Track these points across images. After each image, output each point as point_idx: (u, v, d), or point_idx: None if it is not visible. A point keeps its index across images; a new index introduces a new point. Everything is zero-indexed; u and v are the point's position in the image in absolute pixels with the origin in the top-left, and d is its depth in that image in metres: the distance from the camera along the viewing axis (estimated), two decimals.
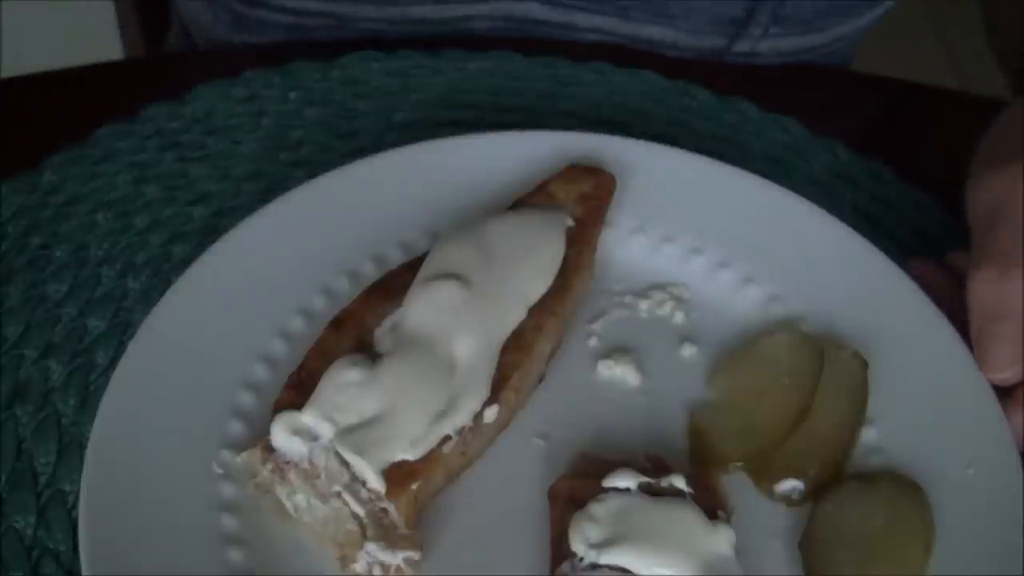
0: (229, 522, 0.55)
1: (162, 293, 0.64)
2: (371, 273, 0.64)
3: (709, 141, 0.77)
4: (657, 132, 0.77)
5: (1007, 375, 0.60)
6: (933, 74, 0.96)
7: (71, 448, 0.60)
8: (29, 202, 0.71)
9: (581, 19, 0.85)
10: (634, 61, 0.83)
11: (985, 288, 0.60)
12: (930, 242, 0.72)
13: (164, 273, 0.68)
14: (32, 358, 0.63)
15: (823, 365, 0.61)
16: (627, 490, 0.54)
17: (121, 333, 0.65)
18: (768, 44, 0.86)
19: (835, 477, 0.58)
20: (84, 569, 0.52)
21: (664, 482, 0.54)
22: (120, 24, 1.18)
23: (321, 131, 0.77)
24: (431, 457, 0.54)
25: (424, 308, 0.59)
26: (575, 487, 0.55)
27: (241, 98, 0.78)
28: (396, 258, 0.65)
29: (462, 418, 0.56)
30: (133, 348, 0.59)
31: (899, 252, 0.71)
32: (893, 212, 0.74)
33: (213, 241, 0.64)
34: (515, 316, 0.60)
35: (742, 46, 0.85)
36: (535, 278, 0.61)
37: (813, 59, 0.91)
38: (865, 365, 0.61)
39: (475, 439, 0.57)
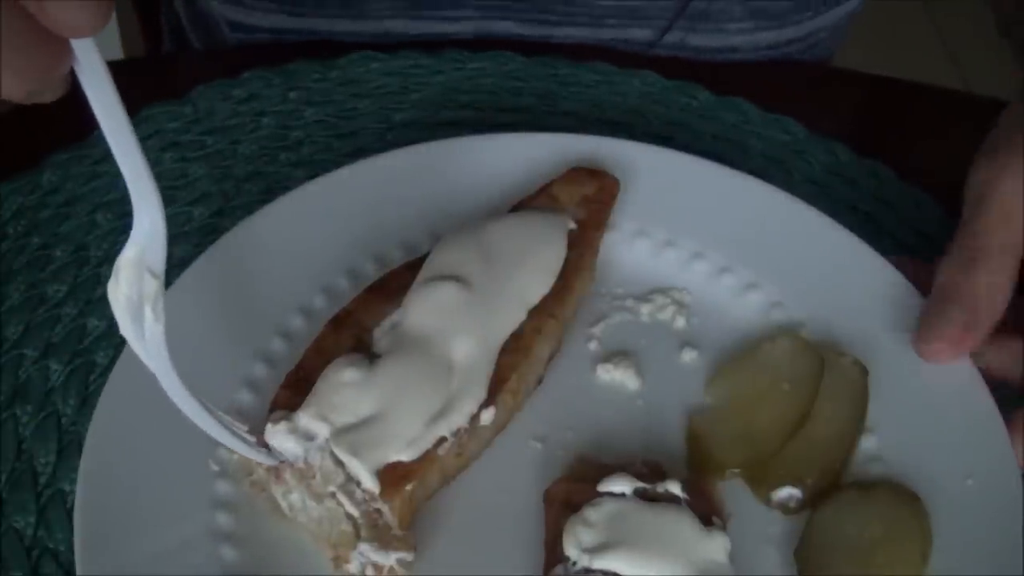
0: (224, 520, 0.55)
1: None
2: (372, 273, 0.64)
3: (709, 141, 0.77)
4: (657, 132, 0.77)
5: (936, 348, 0.60)
6: (933, 74, 0.96)
7: (71, 448, 0.60)
8: (29, 202, 0.71)
9: (556, 32, 0.85)
10: (634, 62, 0.83)
11: (948, 274, 0.60)
12: (930, 242, 0.72)
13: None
14: (32, 358, 0.63)
15: (823, 372, 0.61)
16: (622, 495, 0.54)
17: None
18: (743, 39, 0.86)
19: (833, 485, 0.57)
20: (77, 564, 0.52)
21: (660, 488, 0.54)
22: (120, 24, 1.18)
23: (321, 131, 0.77)
24: (426, 458, 0.54)
25: (423, 309, 0.58)
26: (571, 491, 0.55)
27: (241, 98, 0.79)
28: (398, 258, 0.65)
29: (458, 420, 0.55)
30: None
31: (898, 251, 0.71)
32: (892, 212, 0.74)
33: (214, 240, 0.64)
34: (514, 318, 0.59)
35: (717, 41, 0.85)
36: (535, 280, 0.61)
37: (792, 53, 0.91)
38: (865, 373, 0.61)
39: (471, 441, 0.57)
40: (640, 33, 0.85)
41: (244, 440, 0.53)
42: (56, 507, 0.58)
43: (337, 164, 0.74)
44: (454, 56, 0.82)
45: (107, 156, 0.73)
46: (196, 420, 0.52)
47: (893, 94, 0.85)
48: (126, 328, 0.48)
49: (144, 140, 0.75)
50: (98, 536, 0.53)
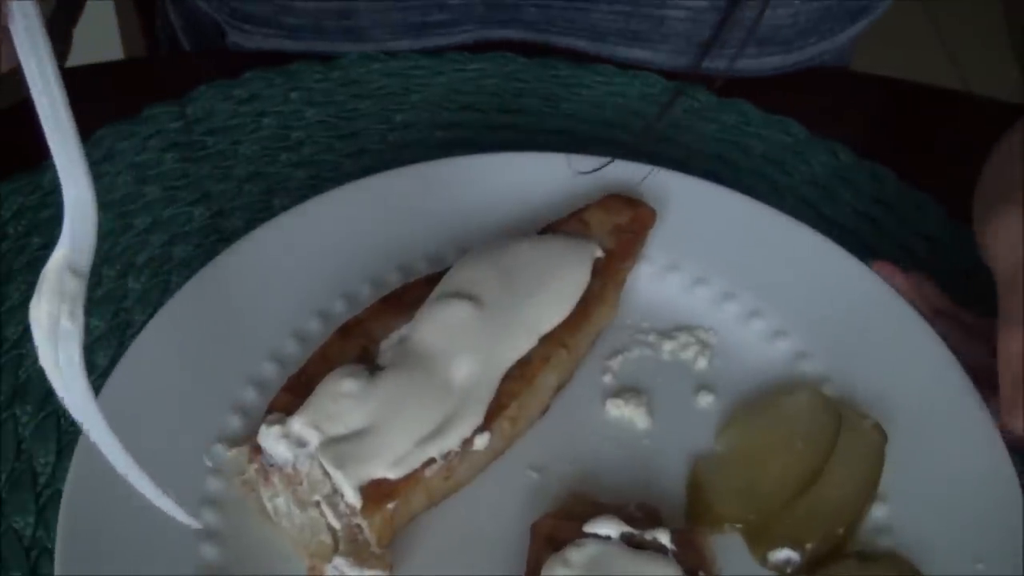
0: (211, 517, 0.55)
1: (162, 293, 0.64)
2: (396, 283, 0.63)
3: (710, 143, 0.77)
4: (658, 134, 0.77)
5: None
6: (933, 74, 0.96)
7: (71, 448, 0.59)
8: (29, 202, 0.71)
9: (557, 41, 0.85)
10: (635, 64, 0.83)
11: (1017, 347, 0.56)
12: (931, 243, 0.72)
13: (164, 273, 0.68)
14: (32, 358, 0.63)
15: (840, 432, 0.58)
16: (608, 538, 0.52)
17: (121, 333, 0.65)
18: (748, 63, 0.86)
19: (836, 552, 0.54)
20: (57, 553, 0.52)
21: (648, 535, 0.52)
22: (120, 24, 1.18)
23: (322, 131, 0.77)
24: (412, 478, 0.53)
25: (432, 326, 0.57)
26: (556, 527, 0.53)
27: (242, 98, 0.78)
28: (423, 270, 0.63)
29: (450, 442, 0.54)
30: (146, 334, 0.59)
31: (900, 253, 0.71)
32: (893, 213, 0.74)
33: (214, 240, 0.64)
34: (523, 344, 0.58)
35: (719, 64, 0.85)
36: (551, 307, 0.59)
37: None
38: (884, 438, 0.57)
39: (462, 465, 0.56)
40: (639, 53, 0.85)
41: (164, 496, 0.50)
42: (55, 507, 0.57)
43: (338, 165, 0.74)
44: (455, 57, 0.82)
45: (107, 157, 0.74)
46: (113, 461, 0.48)
47: (893, 94, 0.85)
48: (46, 355, 0.42)
49: (144, 140, 0.75)
50: (82, 521, 0.52)
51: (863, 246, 0.70)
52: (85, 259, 0.42)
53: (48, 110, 0.41)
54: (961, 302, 0.64)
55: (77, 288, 0.41)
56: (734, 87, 0.80)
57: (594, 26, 0.84)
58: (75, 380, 0.42)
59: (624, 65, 0.82)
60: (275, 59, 0.81)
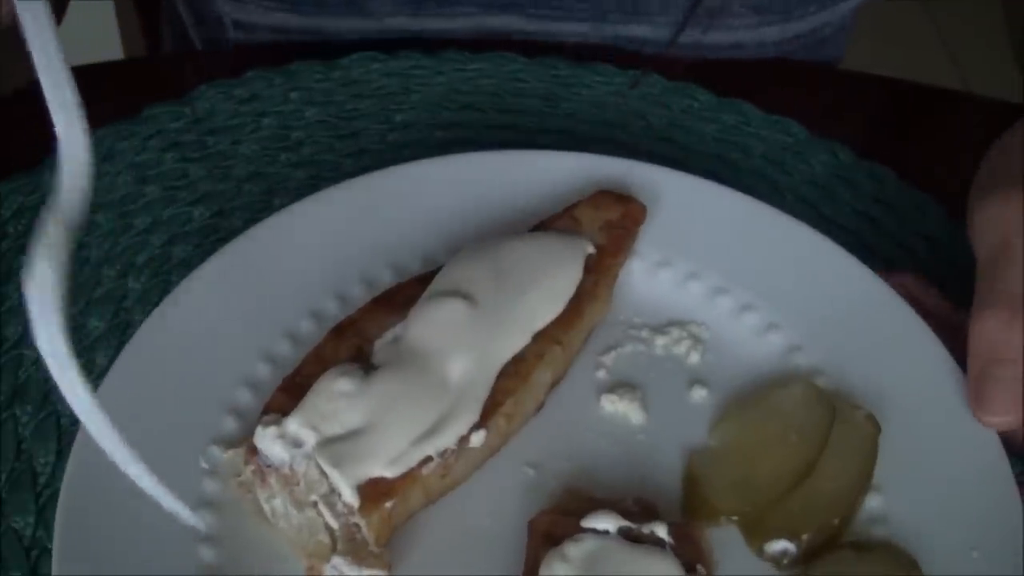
0: (207, 519, 0.55)
1: (162, 293, 0.64)
2: (389, 283, 0.63)
3: (710, 142, 0.77)
4: (658, 133, 0.77)
5: (1002, 420, 0.57)
6: (933, 74, 0.96)
7: (71, 448, 0.59)
8: (29, 202, 0.71)
9: (558, 27, 0.85)
10: (635, 61, 0.83)
11: (991, 329, 0.57)
12: (930, 244, 0.72)
13: (164, 273, 0.68)
14: (32, 358, 0.63)
15: (833, 424, 0.58)
16: (606, 532, 0.52)
17: (121, 333, 0.65)
18: (747, 34, 0.86)
19: (831, 543, 0.55)
20: (55, 553, 0.52)
21: (645, 529, 0.52)
22: (120, 24, 1.18)
23: (322, 131, 0.77)
24: (409, 476, 0.53)
25: (426, 324, 0.57)
26: (554, 523, 0.53)
27: (242, 98, 0.79)
28: (416, 269, 0.64)
29: (446, 440, 0.54)
30: (140, 336, 0.59)
31: (900, 253, 0.71)
32: (893, 214, 0.74)
33: (214, 240, 0.64)
34: (517, 341, 0.58)
35: (721, 37, 0.85)
36: (544, 304, 0.59)
37: (795, 49, 0.91)
38: (878, 429, 0.57)
39: (458, 463, 0.56)
40: (639, 30, 0.85)
41: (166, 492, 0.50)
42: (56, 507, 0.57)
43: (338, 165, 0.74)
44: (455, 57, 0.82)
45: (107, 157, 0.74)
46: (110, 453, 0.47)
47: (893, 94, 0.85)
48: (40, 332, 0.39)
49: (145, 140, 0.75)
50: (77, 521, 0.52)
51: (863, 246, 0.70)
52: (75, 204, 0.39)
53: (43, 59, 0.40)
54: (960, 302, 0.64)
55: (60, 236, 0.38)
56: (733, 84, 0.80)
57: (593, 2, 0.83)
58: (65, 368, 0.41)
59: (624, 65, 0.82)
60: (276, 58, 0.81)
